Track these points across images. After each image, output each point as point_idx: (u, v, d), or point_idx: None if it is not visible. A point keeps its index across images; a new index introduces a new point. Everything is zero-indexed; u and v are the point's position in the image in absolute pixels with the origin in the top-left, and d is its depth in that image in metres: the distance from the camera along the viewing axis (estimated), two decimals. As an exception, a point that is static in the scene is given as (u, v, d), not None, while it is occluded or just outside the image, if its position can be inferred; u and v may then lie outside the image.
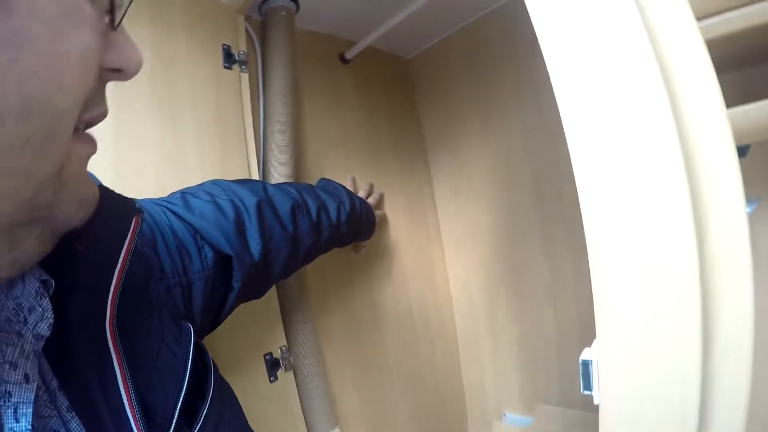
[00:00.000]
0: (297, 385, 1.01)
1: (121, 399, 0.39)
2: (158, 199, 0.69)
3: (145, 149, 0.84)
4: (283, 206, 0.81)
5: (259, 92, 1.10)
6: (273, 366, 0.96)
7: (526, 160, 1.30)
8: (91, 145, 0.35)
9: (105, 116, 0.36)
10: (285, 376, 0.98)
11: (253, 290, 0.79)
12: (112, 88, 0.80)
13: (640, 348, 0.39)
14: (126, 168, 0.81)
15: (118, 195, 0.46)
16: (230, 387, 0.59)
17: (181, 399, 0.45)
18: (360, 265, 1.28)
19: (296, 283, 1.04)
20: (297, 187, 0.90)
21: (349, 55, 1.36)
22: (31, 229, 0.32)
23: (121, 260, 0.43)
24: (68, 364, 0.38)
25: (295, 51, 1.14)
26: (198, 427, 0.45)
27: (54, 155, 0.30)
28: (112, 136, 0.80)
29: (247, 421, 0.60)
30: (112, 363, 0.40)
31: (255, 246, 0.73)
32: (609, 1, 0.39)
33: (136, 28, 0.85)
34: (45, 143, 0.28)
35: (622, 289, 0.40)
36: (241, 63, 1.03)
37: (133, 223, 0.45)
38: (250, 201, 0.75)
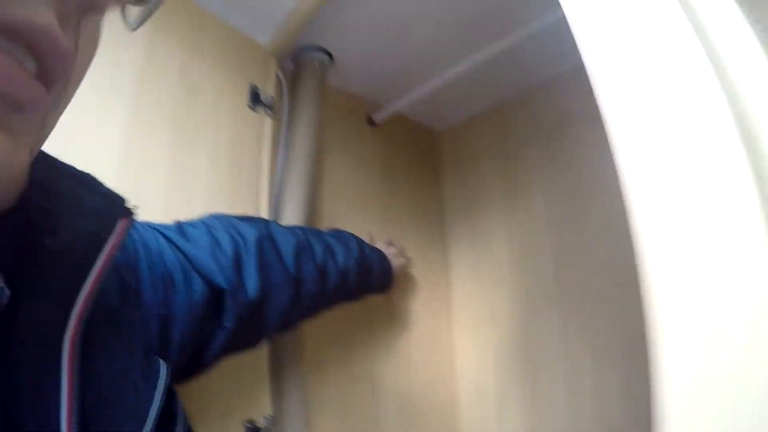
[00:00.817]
0: (279, 461, 0.88)
1: None
2: (151, 222, 0.62)
3: (152, 171, 0.78)
4: (286, 245, 0.74)
5: (282, 140, 1.06)
6: (253, 436, 0.85)
7: (549, 247, 1.23)
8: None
9: (53, 46, 0.22)
10: (266, 450, 0.86)
11: (247, 335, 0.70)
12: (132, 104, 0.76)
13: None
14: (129, 188, 0.74)
15: (106, 189, 0.39)
16: None
17: None
18: (362, 335, 1.18)
19: (290, 343, 0.94)
20: (303, 229, 0.84)
21: (377, 119, 1.33)
22: None
23: (99, 265, 0.35)
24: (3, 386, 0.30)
25: (323, 104, 1.11)
26: None
27: None
28: (120, 151, 0.74)
29: None
30: (59, 389, 0.31)
31: (252, 283, 0.65)
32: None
33: (166, 49, 0.82)
34: None
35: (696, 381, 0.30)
36: (268, 107, 0.99)
37: (120, 225, 0.38)
38: (251, 235, 0.68)
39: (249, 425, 0.84)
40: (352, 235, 0.97)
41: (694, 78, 0.33)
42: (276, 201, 1.01)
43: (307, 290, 0.76)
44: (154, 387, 0.42)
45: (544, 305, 1.22)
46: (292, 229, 0.80)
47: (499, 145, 1.38)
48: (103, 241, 0.36)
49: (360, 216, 1.24)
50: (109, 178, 0.70)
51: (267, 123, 1.00)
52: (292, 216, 0.98)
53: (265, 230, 0.73)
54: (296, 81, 1.09)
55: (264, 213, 0.95)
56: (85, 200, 0.36)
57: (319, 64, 1.10)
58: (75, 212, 0.34)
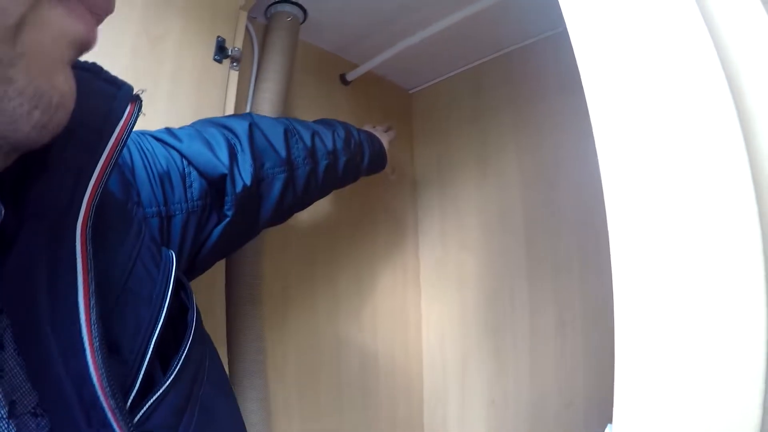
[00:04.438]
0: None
1: (78, 320, 0.30)
2: (139, 130, 0.62)
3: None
4: (274, 130, 0.75)
5: (249, 95, 1.03)
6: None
7: (520, 212, 1.23)
8: (83, 25, 0.27)
9: (108, 7, 0.29)
10: (223, 410, 0.86)
11: (244, 225, 0.70)
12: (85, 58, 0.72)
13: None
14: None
15: (112, 75, 0.38)
16: (210, 338, 0.51)
17: (157, 330, 0.37)
18: (326, 293, 1.18)
19: (248, 294, 0.94)
20: (287, 118, 0.84)
21: (350, 77, 1.30)
22: None
23: (110, 146, 0.35)
24: (12, 270, 0.29)
25: (294, 60, 1.08)
26: (175, 371, 0.37)
27: None
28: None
29: (227, 377, 0.54)
30: (75, 273, 0.31)
31: (247, 168, 0.66)
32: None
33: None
34: None
35: (658, 362, 0.30)
36: (234, 59, 0.96)
37: (129, 107, 0.37)
38: (239, 125, 0.69)
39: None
40: (339, 121, 0.97)
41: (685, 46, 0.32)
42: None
43: (300, 173, 0.77)
44: (167, 271, 0.42)
45: (512, 271, 1.23)
46: (277, 118, 0.82)
47: (472, 107, 1.37)
48: (113, 122, 0.36)
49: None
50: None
51: (232, 76, 0.96)
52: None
53: (251, 120, 0.73)
54: (267, 35, 1.06)
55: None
56: (92, 84, 0.35)
57: (291, 18, 1.06)
58: (86, 97, 0.32)
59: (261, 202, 0.71)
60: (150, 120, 0.79)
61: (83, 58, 0.31)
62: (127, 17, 0.79)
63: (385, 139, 1.06)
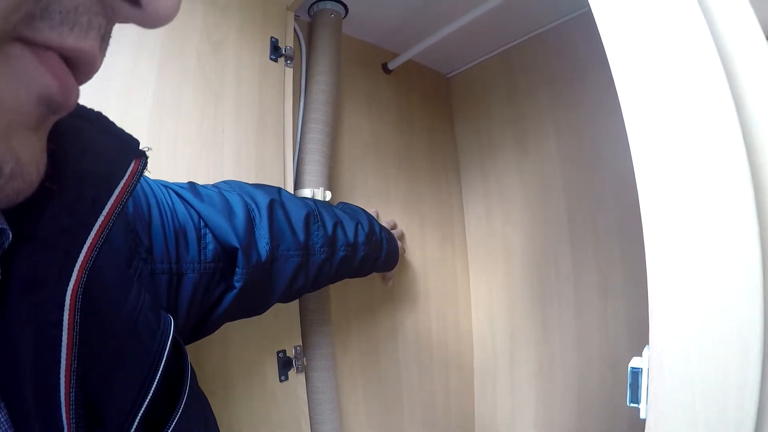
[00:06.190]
0: (307, 388, 0.98)
1: (58, 393, 0.28)
2: (164, 181, 0.63)
3: (184, 127, 0.83)
4: (297, 213, 0.75)
5: (301, 89, 1.10)
6: (285, 365, 0.93)
7: (560, 185, 1.28)
8: (53, 78, 0.22)
9: (91, 64, 0.24)
10: (296, 378, 0.95)
11: (254, 299, 0.70)
12: (158, 63, 0.81)
13: (696, 358, 0.36)
14: (163, 144, 0.80)
15: (118, 129, 0.35)
16: (208, 402, 0.51)
17: (145, 404, 0.36)
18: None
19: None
20: (315, 201, 0.86)
21: (391, 66, 1.36)
22: None
23: (106, 212, 0.32)
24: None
25: (340, 53, 1.14)
26: None
27: None
28: (152, 109, 0.79)
29: None
30: (60, 342, 0.29)
31: (263, 245, 0.66)
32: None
33: (189, 4, 0.86)
34: None
35: (680, 293, 0.37)
36: (287, 58, 1.03)
37: (132, 166, 0.34)
38: (263, 200, 0.70)
39: (281, 355, 0.93)
40: (364, 211, 1.00)
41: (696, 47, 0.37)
42: (299, 146, 1.06)
43: (315, 260, 0.77)
44: (163, 343, 0.41)
45: (555, 242, 1.28)
46: (303, 200, 0.81)
47: (509, 87, 1.41)
48: (112, 185, 0.33)
49: (376, 158, 1.29)
50: (145, 134, 0.78)
51: (288, 73, 1.03)
52: (313, 159, 1.03)
53: (277, 197, 0.73)
54: (313, 32, 1.12)
55: (289, 159, 1.00)
56: (95, 141, 0.33)
57: (334, 15, 1.13)
58: (82, 154, 0.31)
59: (271, 282, 0.70)
60: (219, 117, 0.88)
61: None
62: (190, 25, 0.87)
63: (399, 244, 1.10)
